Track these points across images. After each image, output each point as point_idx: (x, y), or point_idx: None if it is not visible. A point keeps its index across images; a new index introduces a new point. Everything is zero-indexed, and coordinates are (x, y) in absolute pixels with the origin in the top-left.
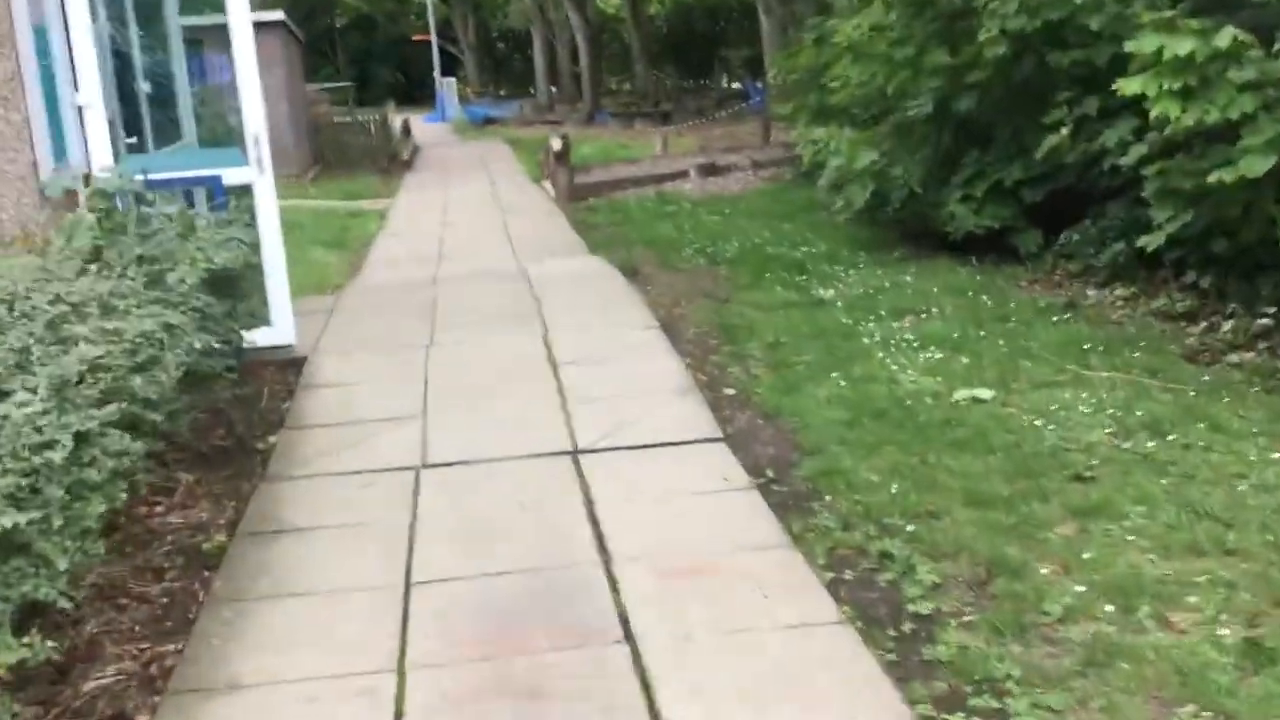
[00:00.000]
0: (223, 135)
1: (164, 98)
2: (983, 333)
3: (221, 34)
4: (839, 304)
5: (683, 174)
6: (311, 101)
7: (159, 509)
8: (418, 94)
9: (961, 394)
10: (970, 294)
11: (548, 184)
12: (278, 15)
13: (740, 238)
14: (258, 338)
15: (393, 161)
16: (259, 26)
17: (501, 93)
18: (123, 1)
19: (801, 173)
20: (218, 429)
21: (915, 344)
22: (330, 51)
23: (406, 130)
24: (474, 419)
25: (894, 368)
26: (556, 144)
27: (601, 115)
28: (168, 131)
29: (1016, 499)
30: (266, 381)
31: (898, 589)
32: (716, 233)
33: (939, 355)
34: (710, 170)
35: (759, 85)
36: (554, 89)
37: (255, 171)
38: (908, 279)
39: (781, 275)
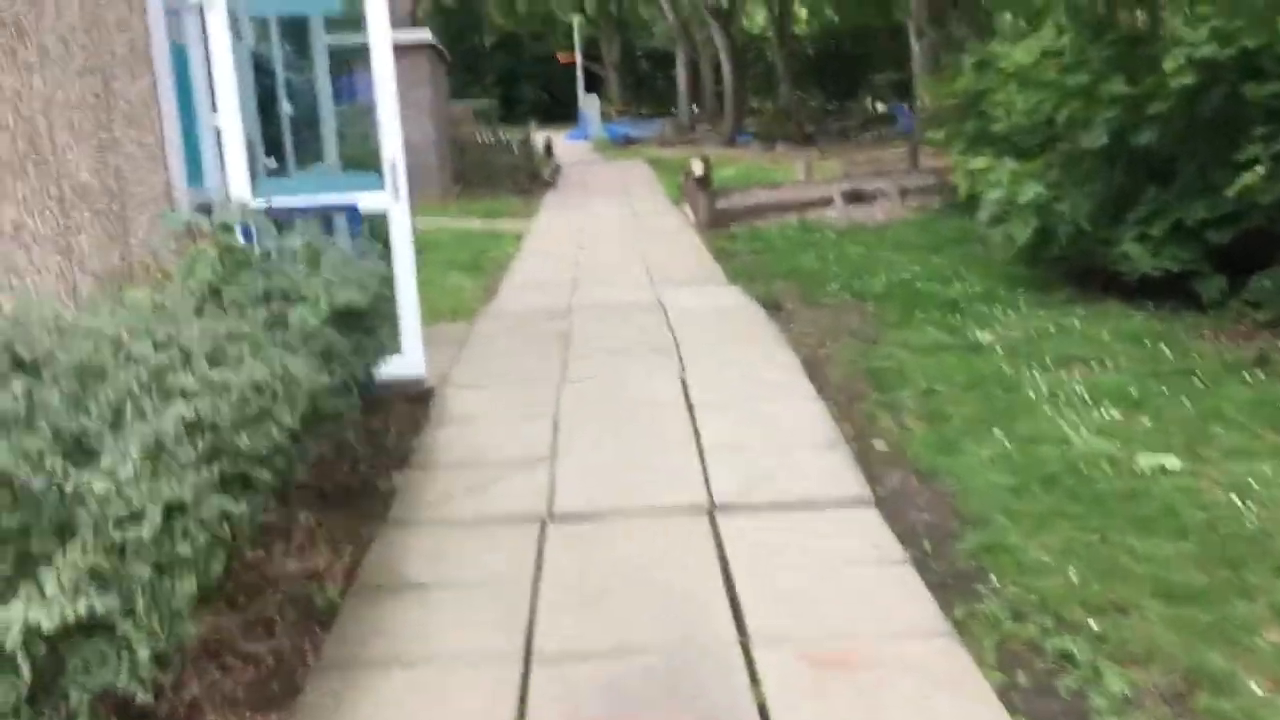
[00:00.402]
0: (366, 157)
1: (308, 118)
2: (1163, 389)
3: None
4: (998, 349)
5: (826, 200)
6: (456, 120)
7: (276, 551)
8: (561, 112)
9: (1144, 461)
10: (1146, 343)
11: (687, 207)
12: (425, 36)
13: (888, 271)
14: (388, 368)
15: (534, 181)
16: (406, 49)
17: (643, 111)
18: (268, 20)
19: (952, 203)
20: (342, 466)
21: (1087, 399)
22: (477, 70)
23: (549, 150)
24: (604, 465)
25: (1064, 426)
26: (697, 168)
27: (743, 136)
28: (311, 153)
29: (1215, 593)
30: (395, 415)
31: (1084, 700)
32: (862, 265)
33: (1115, 413)
34: (855, 197)
35: (906, 109)
36: (695, 108)
37: (391, 198)
38: (1074, 323)
39: (933, 314)
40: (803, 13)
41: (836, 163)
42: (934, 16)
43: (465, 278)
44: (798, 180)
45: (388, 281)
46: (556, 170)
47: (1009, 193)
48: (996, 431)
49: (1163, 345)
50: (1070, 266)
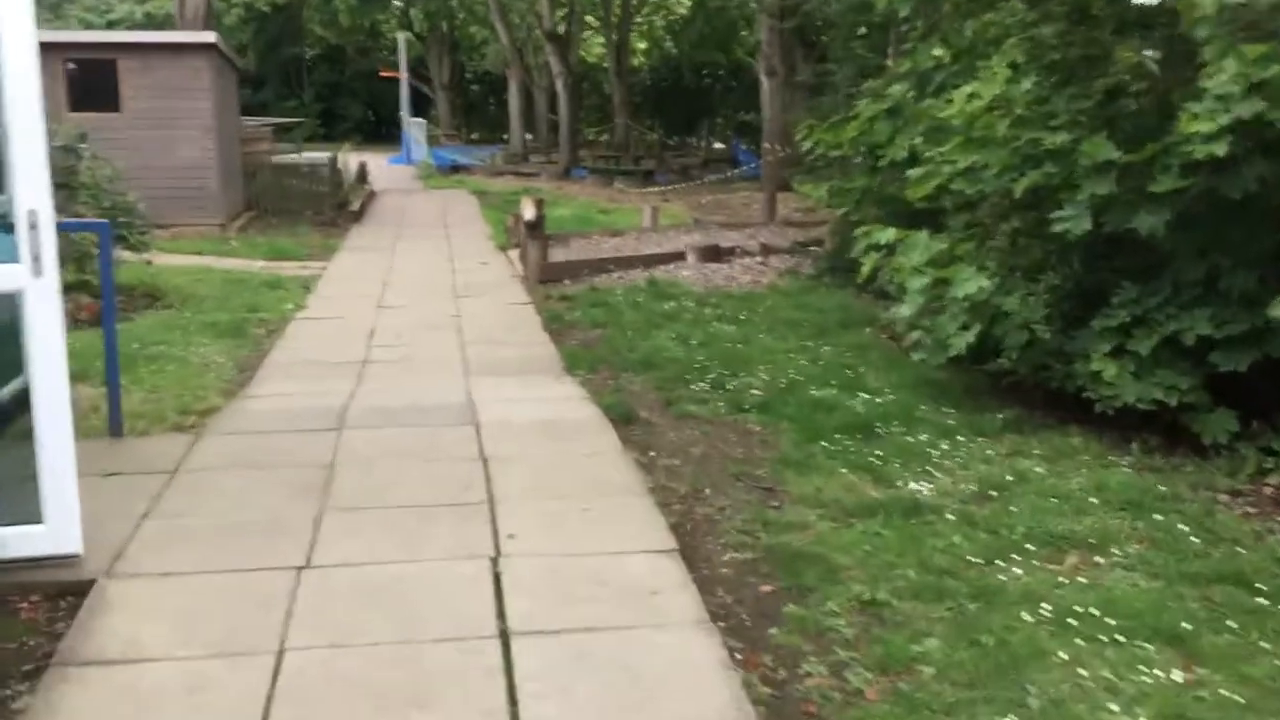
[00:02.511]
0: None
1: None
2: (1216, 609)
3: None
4: (947, 515)
5: (678, 256)
6: (248, 139)
7: None
8: (387, 132)
9: None
10: (1155, 515)
11: (515, 254)
12: (207, 37)
13: (769, 365)
14: (16, 542)
15: (340, 211)
16: (180, 49)
17: (474, 136)
18: None
19: (830, 268)
20: None
21: (1109, 627)
22: (296, 83)
23: (362, 176)
24: None
25: (1099, 690)
26: (529, 211)
27: (579, 170)
28: None
29: None
30: (10, 633)
31: None
32: (735, 354)
33: (1161, 661)
34: (712, 254)
35: (745, 149)
36: (529, 136)
37: (26, 272)
38: (1037, 470)
39: (843, 444)
40: (641, 44)
41: (682, 207)
42: (784, 56)
43: (218, 348)
44: (642, 228)
45: (19, 404)
46: (370, 198)
47: (935, 283)
48: (1002, 698)
49: (1175, 517)
50: (1013, 378)
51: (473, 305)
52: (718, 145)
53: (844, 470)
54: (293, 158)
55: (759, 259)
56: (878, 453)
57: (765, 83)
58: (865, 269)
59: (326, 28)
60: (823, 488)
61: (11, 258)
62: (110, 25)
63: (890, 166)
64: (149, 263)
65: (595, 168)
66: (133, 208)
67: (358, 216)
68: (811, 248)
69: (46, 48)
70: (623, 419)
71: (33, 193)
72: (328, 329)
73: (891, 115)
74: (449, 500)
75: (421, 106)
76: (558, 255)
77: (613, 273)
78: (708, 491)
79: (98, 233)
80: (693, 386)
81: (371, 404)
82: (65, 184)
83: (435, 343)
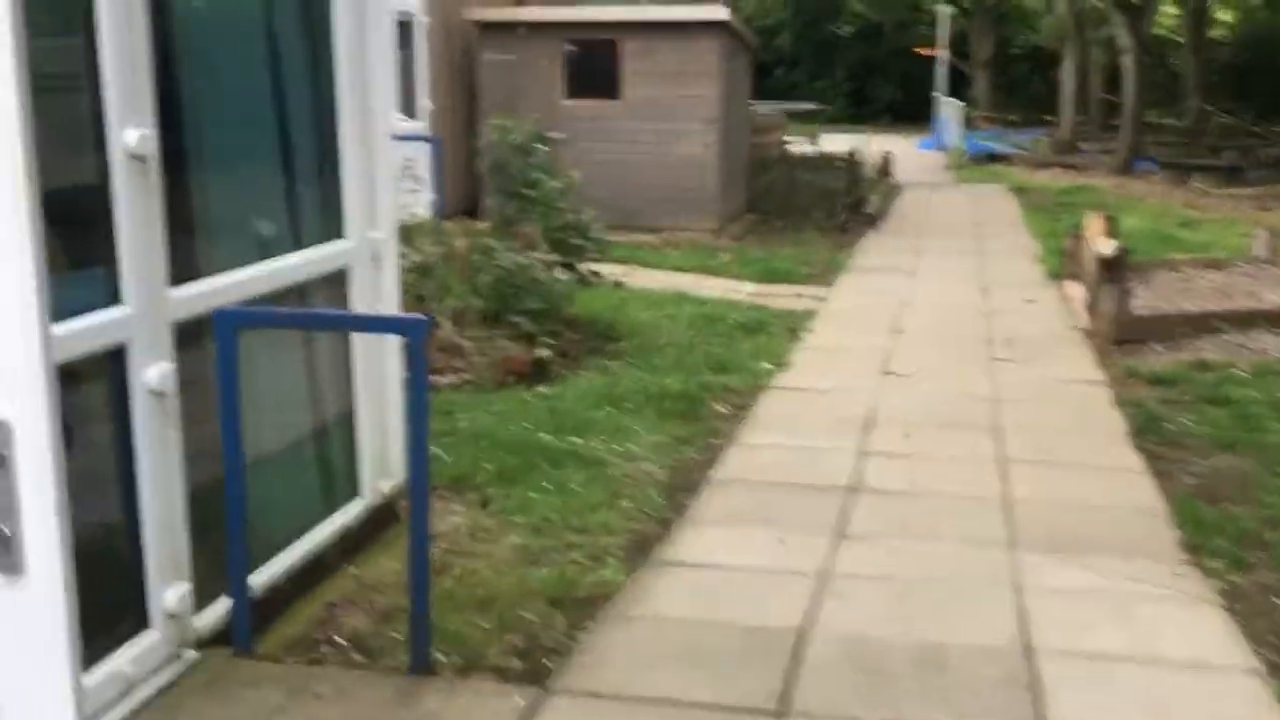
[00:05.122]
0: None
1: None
2: None
3: None
4: None
5: None
6: (759, 128)
7: None
8: (917, 113)
9: None
10: None
11: (1072, 287)
12: (720, 13)
13: None
14: None
15: (854, 213)
16: (691, 28)
17: (1012, 119)
18: None
19: None
20: None
21: None
22: (828, 62)
23: (885, 169)
24: None
25: None
26: (1105, 246)
27: (1143, 162)
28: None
29: None
30: None
31: None
32: None
33: None
34: None
35: None
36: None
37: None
38: None
39: None
40: (1224, 15)
41: None
42: None
43: (655, 442)
44: (1252, 257)
45: None
46: (891, 193)
47: None
48: None
49: None
50: None
51: (1016, 379)
52: None
53: None
54: (807, 148)
55: None
56: None
57: None
58: None
59: (866, 4)
60: None
61: None
62: None
63: None
64: (618, 284)
65: (1165, 160)
66: (586, 228)
67: (873, 220)
68: None
69: (546, 28)
70: None
71: None
72: (808, 414)
73: None
74: None
75: (957, 86)
76: (1137, 299)
77: (1224, 335)
78: None
79: (407, 335)
80: None
81: (848, 629)
82: (515, 193)
83: (960, 457)
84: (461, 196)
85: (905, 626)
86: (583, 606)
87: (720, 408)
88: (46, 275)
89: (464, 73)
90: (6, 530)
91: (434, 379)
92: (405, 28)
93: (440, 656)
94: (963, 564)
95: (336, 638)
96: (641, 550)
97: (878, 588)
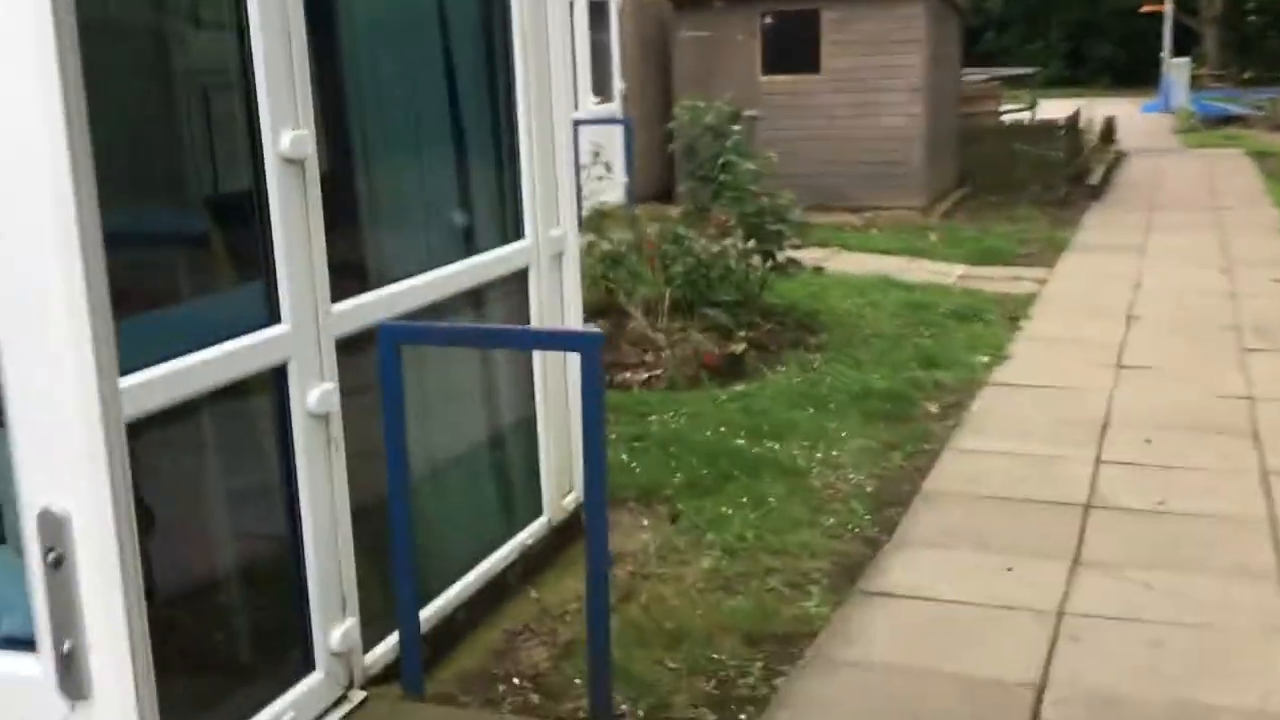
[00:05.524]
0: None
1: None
2: None
3: None
4: None
5: None
6: (969, 97)
7: None
8: (1140, 74)
9: None
10: None
11: None
12: None
13: None
14: None
15: (1075, 185)
16: None
17: (1246, 76)
18: None
19: None
20: None
21: None
22: (1041, 22)
23: (1108, 134)
24: None
25: None
26: None
27: None
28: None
29: None
30: None
31: None
32: None
33: None
34: None
35: None
36: None
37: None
38: None
39: None
40: None
41: None
42: None
43: (859, 447)
44: None
45: None
46: (1116, 162)
47: None
48: None
49: None
50: None
51: (1272, 373)
52: None
53: None
54: (1022, 117)
55: None
56: None
57: None
58: None
59: None
60: None
61: None
62: None
63: None
64: (818, 270)
65: None
66: (784, 212)
67: (1096, 192)
68: None
69: (742, 1)
70: None
71: None
72: (1032, 415)
73: None
74: None
75: (1184, 44)
76: None
77: None
78: None
79: (579, 350)
80: None
81: (1094, 684)
82: (707, 177)
83: (1214, 469)
84: (655, 180)
85: (1163, 683)
86: (782, 644)
87: (931, 407)
88: (111, 327)
89: (658, 52)
90: (66, 645)
91: (625, 376)
92: (598, 8)
93: (623, 703)
94: (1229, 602)
95: (514, 677)
96: (847, 576)
97: (1126, 632)
